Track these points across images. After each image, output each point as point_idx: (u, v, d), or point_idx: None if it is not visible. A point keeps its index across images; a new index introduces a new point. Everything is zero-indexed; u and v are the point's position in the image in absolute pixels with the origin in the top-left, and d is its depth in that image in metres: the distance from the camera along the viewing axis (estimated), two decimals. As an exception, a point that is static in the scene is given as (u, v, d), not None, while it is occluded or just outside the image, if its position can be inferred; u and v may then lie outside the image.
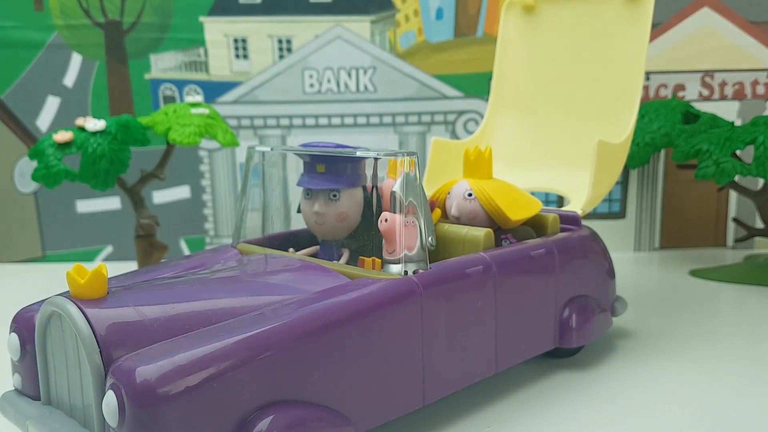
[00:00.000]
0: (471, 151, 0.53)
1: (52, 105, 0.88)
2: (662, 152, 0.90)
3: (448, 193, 0.53)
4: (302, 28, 0.88)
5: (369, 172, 0.48)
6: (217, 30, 0.88)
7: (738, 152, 0.69)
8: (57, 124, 0.87)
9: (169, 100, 0.89)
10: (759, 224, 0.86)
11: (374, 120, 0.90)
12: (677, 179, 0.91)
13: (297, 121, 0.90)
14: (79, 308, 0.33)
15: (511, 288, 0.47)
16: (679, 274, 0.80)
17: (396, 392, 0.40)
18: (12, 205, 0.90)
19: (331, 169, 0.47)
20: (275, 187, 0.53)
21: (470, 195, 0.51)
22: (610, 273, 0.57)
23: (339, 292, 0.39)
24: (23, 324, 0.38)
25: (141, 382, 0.30)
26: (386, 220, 0.42)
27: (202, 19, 0.88)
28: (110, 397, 0.31)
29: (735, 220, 0.85)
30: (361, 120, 0.90)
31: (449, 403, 0.46)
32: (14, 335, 0.38)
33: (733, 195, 0.92)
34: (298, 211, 0.50)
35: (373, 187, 0.48)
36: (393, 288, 0.40)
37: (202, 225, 0.92)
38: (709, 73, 0.89)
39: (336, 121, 0.90)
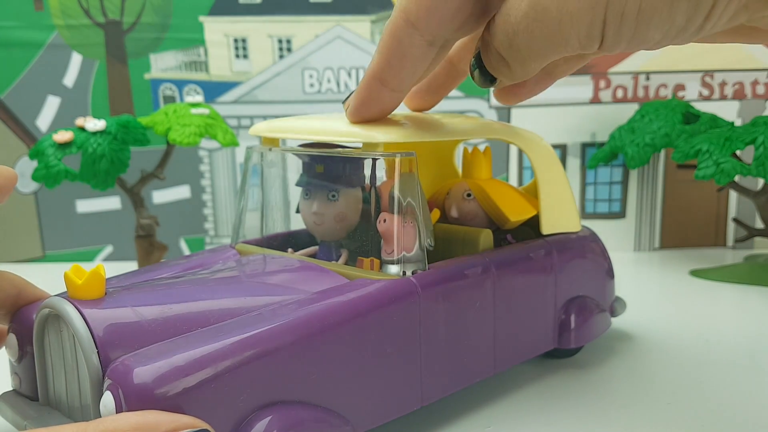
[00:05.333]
0: (470, 152, 0.53)
1: (52, 105, 0.88)
2: (662, 152, 0.90)
3: (447, 193, 0.53)
4: (302, 28, 0.88)
5: (368, 173, 0.48)
6: (217, 30, 0.88)
7: (738, 152, 0.69)
8: (57, 124, 0.87)
9: (169, 100, 0.89)
10: (759, 224, 0.86)
11: (374, 120, 0.90)
12: (677, 179, 0.91)
13: (297, 121, 0.90)
14: (77, 309, 0.33)
15: (509, 288, 0.46)
16: (679, 274, 0.80)
17: (394, 393, 0.40)
18: (12, 205, 0.90)
19: (329, 169, 0.47)
20: (274, 187, 0.53)
21: (469, 195, 0.51)
22: (610, 273, 0.56)
23: (337, 293, 0.39)
24: (22, 325, 0.38)
25: (138, 383, 0.30)
26: (385, 221, 0.42)
27: (202, 18, 0.88)
28: (108, 398, 0.31)
29: (735, 220, 0.85)
30: (361, 120, 0.90)
31: (449, 403, 0.46)
32: (12, 336, 0.38)
33: (733, 195, 0.92)
34: (297, 211, 0.50)
35: (371, 187, 0.48)
36: (391, 289, 0.40)
37: (201, 225, 0.92)
38: (709, 72, 0.89)
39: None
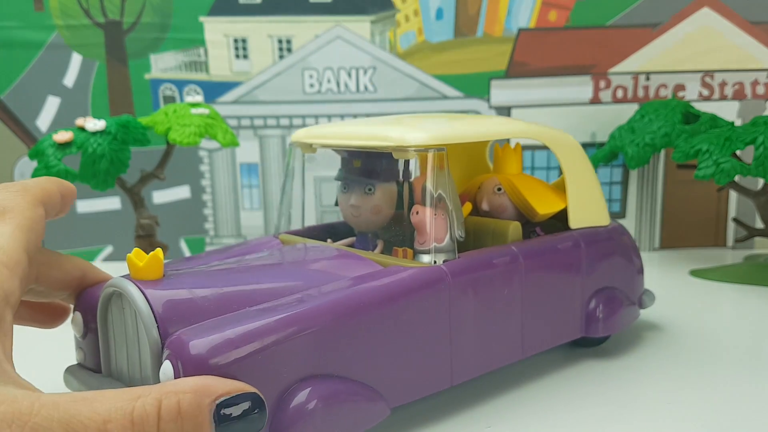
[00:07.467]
0: (501, 148, 0.55)
1: (52, 105, 0.88)
2: (662, 152, 0.90)
3: (479, 187, 0.55)
4: (302, 28, 0.89)
5: (402, 167, 0.51)
6: (217, 30, 0.88)
7: (738, 152, 0.70)
8: (57, 124, 0.87)
9: (169, 100, 0.89)
10: (759, 224, 0.86)
11: (374, 120, 0.90)
12: (677, 179, 0.91)
13: (297, 121, 0.90)
14: (139, 288, 0.37)
15: (537, 278, 0.49)
16: (679, 274, 0.80)
17: (425, 372, 0.42)
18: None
19: (366, 164, 0.50)
20: (313, 180, 0.55)
21: (499, 189, 0.54)
22: (638, 266, 0.58)
23: (373, 278, 0.42)
24: (86, 304, 0.41)
25: (195, 353, 0.33)
26: (417, 213, 0.45)
27: (202, 19, 0.88)
28: (167, 366, 0.33)
29: (735, 220, 0.85)
30: (361, 120, 0.90)
31: (477, 385, 0.47)
32: (78, 314, 0.42)
33: (733, 195, 0.92)
34: (336, 204, 0.52)
35: (405, 181, 0.50)
36: (423, 275, 0.43)
37: (202, 225, 0.92)
38: (709, 73, 0.89)
39: (336, 121, 0.90)
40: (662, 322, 0.63)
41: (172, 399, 0.26)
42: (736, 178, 0.69)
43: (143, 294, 0.36)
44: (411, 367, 0.41)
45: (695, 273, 0.80)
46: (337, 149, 0.51)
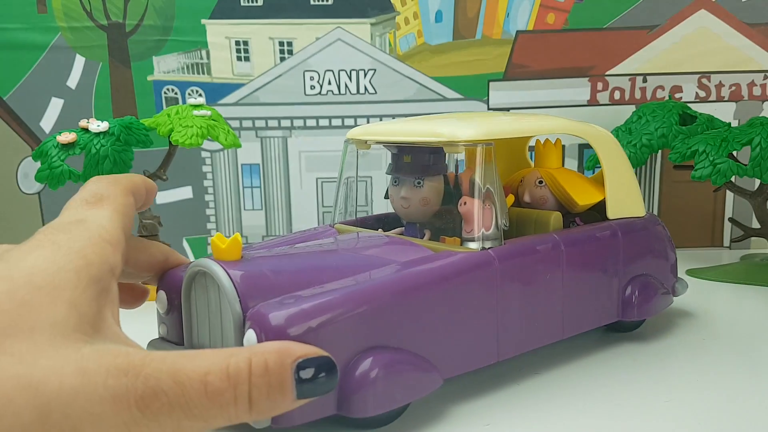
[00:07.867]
0: (542, 143, 0.58)
1: (55, 106, 0.89)
2: (659, 153, 0.90)
3: (521, 181, 0.58)
4: (303, 31, 0.89)
5: (450, 161, 0.54)
6: (219, 32, 0.89)
7: (734, 153, 0.70)
8: (60, 126, 0.88)
9: (171, 101, 0.90)
10: (755, 224, 0.87)
11: (374, 121, 0.91)
12: (674, 180, 0.92)
13: (298, 123, 0.91)
14: (222, 267, 0.41)
15: (577, 264, 0.52)
16: (676, 274, 0.81)
17: (474, 347, 0.46)
18: (16, 205, 0.90)
19: (416, 158, 0.53)
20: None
21: (541, 182, 0.57)
22: (672, 255, 0.60)
23: (426, 261, 0.46)
24: (170, 284, 0.45)
25: (275, 324, 0.38)
26: (465, 203, 0.48)
27: (204, 21, 0.89)
28: (251, 334, 0.38)
29: (731, 220, 0.86)
30: (362, 122, 0.91)
31: (527, 360, 0.50)
32: (162, 292, 0.45)
33: (730, 195, 0.92)
34: (386, 196, 0.55)
35: (455, 174, 0.53)
36: (472, 258, 0.46)
37: (204, 225, 0.93)
38: (706, 74, 0.90)
39: (336, 122, 0.91)
40: (658, 321, 0.63)
41: (260, 357, 0.29)
42: (733, 178, 0.70)
43: (226, 272, 0.40)
44: (461, 342, 0.45)
45: (692, 273, 0.80)
46: (388, 145, 0.55)
